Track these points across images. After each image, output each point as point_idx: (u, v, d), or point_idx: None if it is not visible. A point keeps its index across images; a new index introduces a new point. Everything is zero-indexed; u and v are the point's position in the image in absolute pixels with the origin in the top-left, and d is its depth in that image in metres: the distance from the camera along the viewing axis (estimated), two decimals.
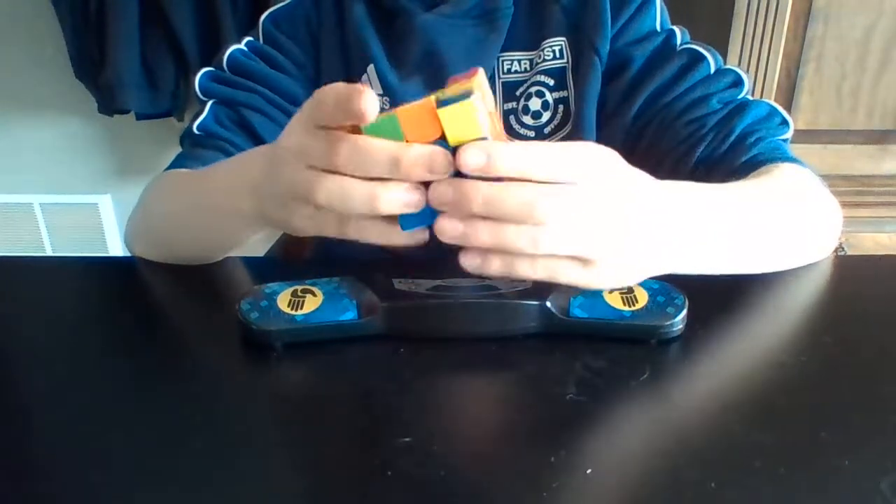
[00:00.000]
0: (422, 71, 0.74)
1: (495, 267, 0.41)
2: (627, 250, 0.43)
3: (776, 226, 0.57)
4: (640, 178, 0.44)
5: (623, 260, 0.43)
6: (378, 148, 0.39)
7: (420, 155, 0.38)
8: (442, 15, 0.73)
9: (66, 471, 0.41)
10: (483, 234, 0.39)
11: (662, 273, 0.47)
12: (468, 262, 0.41)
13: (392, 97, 0.74)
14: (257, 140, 0.72)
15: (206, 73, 0.74)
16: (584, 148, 0.40)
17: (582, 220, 0.40)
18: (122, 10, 1.50)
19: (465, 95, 0.38)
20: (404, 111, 0.39)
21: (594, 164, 0.41)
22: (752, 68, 1.24)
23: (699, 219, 0.48)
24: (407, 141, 0.39)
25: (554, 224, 0.39)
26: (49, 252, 1.95)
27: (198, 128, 0.71)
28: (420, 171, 0.39)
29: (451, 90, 0.40)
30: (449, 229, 0.40)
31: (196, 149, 0.71)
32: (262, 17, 0.78)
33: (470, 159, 0.38)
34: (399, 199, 0.40)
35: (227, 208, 0.53)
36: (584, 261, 0.42)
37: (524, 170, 0.38)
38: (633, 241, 0.43)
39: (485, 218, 0.39)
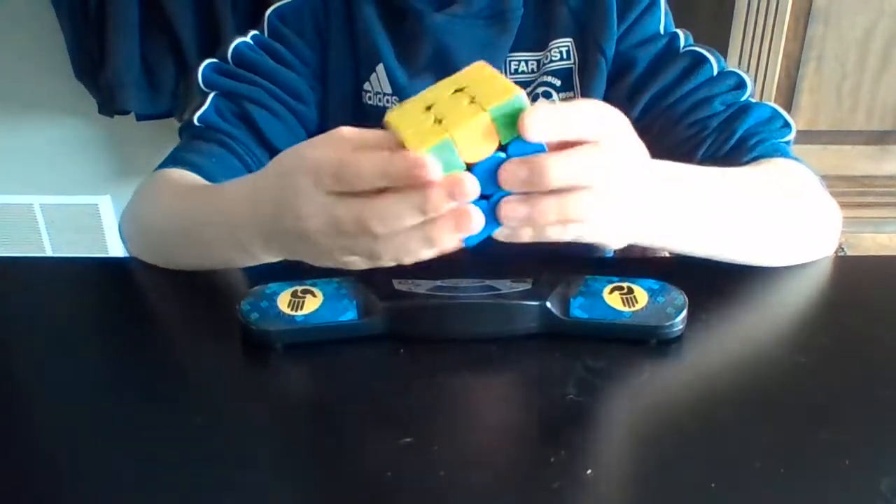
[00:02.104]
0: (431, 71, 0.74)
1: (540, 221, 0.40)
2: (632, 211, 0.44)
3: (772, 212, 0.57)
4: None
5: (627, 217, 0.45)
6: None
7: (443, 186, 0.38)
8: (452, 15, 0.73)
9: (65, 471, 0.41)
10: (551, 210, 0.40)
11: (649, 241, 0.49)
12: (513, 212, 0.40)
13: (401, 97, 0.74)
14: (259, 134, 0.72)
15: (209, 64, 0.74)
16: (600, 107, 0.41)
17: (620, 182, 0.42)
18: (122, 11, 1.50)
19: (515, 99, 0.38)
20: (459, 133, 0.37)
21: (614, 121, 0.42)
22: (752, 68, 1.24)
23: (696, 193, 0.50)
24: (465, 162, 0.38)
25: (602, 187, 0.40)
26: (49, 252, 1.95)
27: (198, 119, 0.71)
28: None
29: (478, 91, 0.39)
30: (518, 211, 0.39)
31: (195, 141, 0.70)
32: (268, 11, 0.78)
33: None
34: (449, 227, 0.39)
35: (232, 243, 0.53)
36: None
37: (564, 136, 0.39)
38: (640, 202, 0.44)
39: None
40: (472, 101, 0.39)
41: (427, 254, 0.41)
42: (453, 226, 0.38)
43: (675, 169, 0.50)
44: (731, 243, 0.56)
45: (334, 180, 0.40)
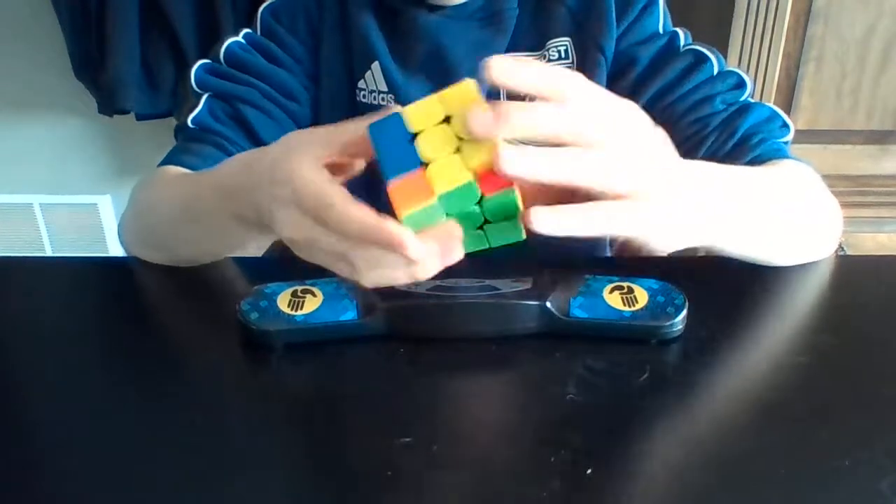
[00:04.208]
0: (427, 70, 0.74)
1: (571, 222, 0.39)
2: (675, 193, 0.42)
3: (787, 211, 0.57)
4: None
5: (672, 205, 0.42)
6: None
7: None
8: (447, 16, 0.73)
9: (64, 471, 0.41)
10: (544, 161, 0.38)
11: (701, 243, 0.48)
12: (541, 217, 0.38)
13: (397, 94, 0.74)
14: (253, 135, 0.71)
15: (201, 65, 0.73)
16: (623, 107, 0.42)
17: (632, 154, 0.40)
18: (121, 10, 1.50)
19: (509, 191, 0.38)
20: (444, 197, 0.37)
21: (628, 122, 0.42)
22: (752, 68, 1.24)
23: (729, 190, 0.49)
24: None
25: (606, 148, 0.39)
26: (49, 252, 1.94)
27: (192, 121, 0.70)
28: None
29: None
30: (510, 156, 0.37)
31: (190, 143, 0.70)
32: (261, 8, 0.78)
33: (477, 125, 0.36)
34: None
35: (227, 213, 0.52)
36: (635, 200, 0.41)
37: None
38: (679, 186, 0.43)
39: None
40: (458, 151, 0.37)
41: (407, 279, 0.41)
42: (439, 263, 0.39)
43: (703, 166, 0.48)
44: (750, 240, 0.55)
45: (316, 215, 0.40)
